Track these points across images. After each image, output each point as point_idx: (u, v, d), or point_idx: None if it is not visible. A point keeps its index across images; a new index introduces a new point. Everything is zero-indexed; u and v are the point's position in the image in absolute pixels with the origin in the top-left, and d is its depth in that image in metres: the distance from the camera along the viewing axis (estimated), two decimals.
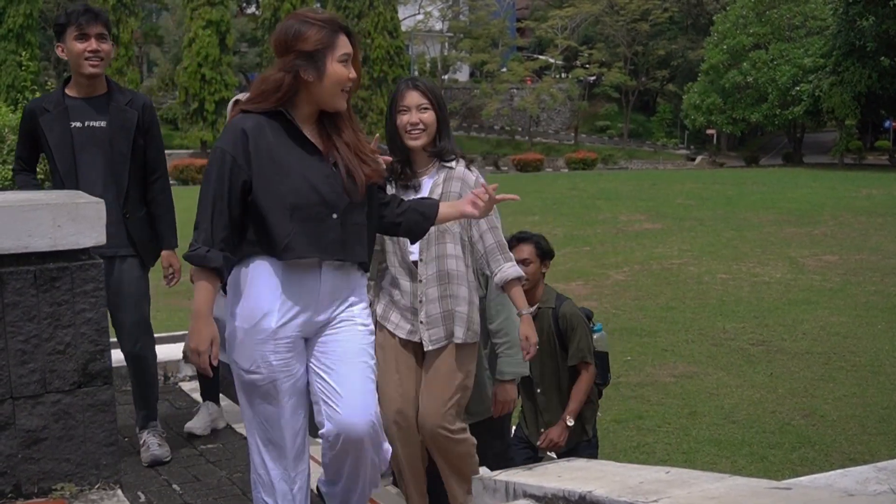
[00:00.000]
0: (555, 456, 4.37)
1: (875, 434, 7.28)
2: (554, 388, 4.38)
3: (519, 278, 3.57)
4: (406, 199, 3.45)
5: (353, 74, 2.90)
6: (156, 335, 4.42)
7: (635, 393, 8.46)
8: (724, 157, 53.86)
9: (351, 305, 3.00)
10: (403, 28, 53.25)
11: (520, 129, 58.02)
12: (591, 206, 22.86)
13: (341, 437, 2.91)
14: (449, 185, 3.57)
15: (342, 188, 2.91)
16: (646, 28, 56.18)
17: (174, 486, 3.98)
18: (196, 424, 4.65)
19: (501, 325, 3.85)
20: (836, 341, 10.10)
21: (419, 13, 56.93)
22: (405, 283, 3.54)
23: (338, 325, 2.98)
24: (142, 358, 4.17)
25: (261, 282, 2.86)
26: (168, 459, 4.22)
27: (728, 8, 50.20)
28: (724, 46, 47.26)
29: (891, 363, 9.21)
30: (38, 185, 4.31)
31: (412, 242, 3.44)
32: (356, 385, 2.94)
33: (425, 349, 3.53)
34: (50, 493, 2.93)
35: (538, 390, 4.40)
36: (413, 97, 3.53)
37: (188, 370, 5.62)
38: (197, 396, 5.10)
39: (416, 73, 53.03)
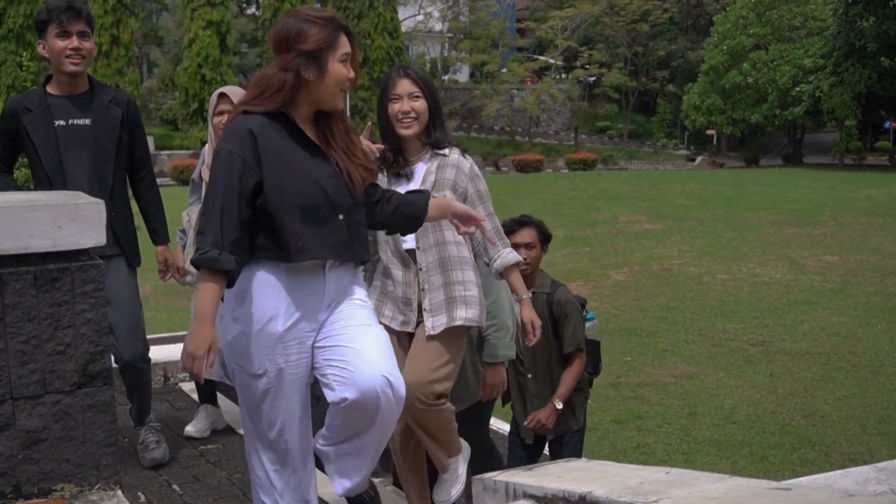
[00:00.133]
0: (545, 453, 4.36)
1: (875, 434, 7.28)
2: (544, 373, 4.35)
3: (518, 264, 3.56)
4: (399, 187, 3.44)
5: (352, 74, 2.88)
6: (156, 335, 4.43)
7: (635, 393, 8.46)
8: (724, 158, 53.86)
9: (352, 303, 2.99)
10: (403, 29, 53.25)
11: (520, 129, 58.02)
12: (591, 207, 22.86)
13: (357, 397, 2.80)
14: (443, 172, 3.54)
15: (345, 188, 2.89)
16: (646, 29, 56.19)
17: (174, 486, 3.98)
18: (195, 428, 4.65)
19: (490, 308, 3.80)
20: (836, 342, 10.10)
21: (419, 14, 56.95)
22: (398, 272, 3.51)
23: (338, 308, 2.95)
24: (142, 359, 4.15)
25: (265, 286, 2.82)
26: (166, 461, 4.20)
27: (728, 8, 50.23)
28: (724, 47, 47.28)
29: (891, 364, 9.21)
30: (18, 187, 4.22)
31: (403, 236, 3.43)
32: (369, 342, 2.89)
33: (426, 335, 3.45)
34: (50, 493, 2.93)
35: (529, 375, 4.37)
36: (404, 85, 3.50)
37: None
38: (197, 397, 5.10)
39: None
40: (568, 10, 56.18)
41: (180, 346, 5.03)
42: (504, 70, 57.59)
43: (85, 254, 2.96)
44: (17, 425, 2.87)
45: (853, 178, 31.75)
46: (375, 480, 3.77)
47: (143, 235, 4.43)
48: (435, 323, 3.44)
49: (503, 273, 3.56)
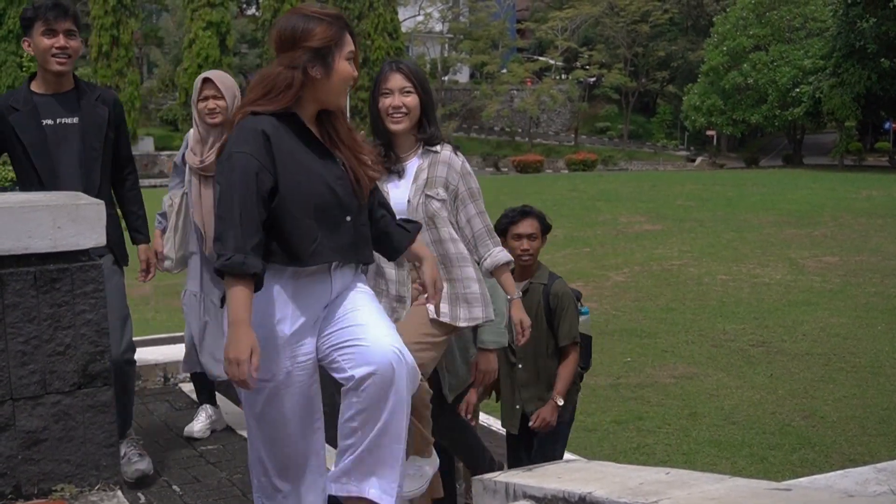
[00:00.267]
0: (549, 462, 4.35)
1: (875, 435, 7.28)
2: (535, 363, 4.33)
3: (508, 263, 3.54)
4: (390, 184, 3.43)
5: (356, 73, 2.85)
6: (156, 335, 4.42)
7: (635, 394, 8.46)
8: (725, 159, 53.87)
9: (353, 287, 2.97)
10: (403, 29, 53.29)
11: (520, 130, 58.04)
12: (591, 208, 22.87)
13: (374, 370, 2.73)
14: (434, 169, 3.50)
15: (352, 190, 2.87)
16: (646, 29, 56.22)
17: (174, 487, 3.98)
18: (195, 428, 4.65)
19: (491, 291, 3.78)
20: (836, 342, 10.10)
21: (419, 14, 56.98)
22: (391, 271, 3.50)
23: (340, 297, 2.92)
24: (126, 362, 4.07)
25: (270, 291, 2.78)
26: (151, 472, 4.08)
27: (728, 9, 50.24)
28: (725, 48, 47.29)
29: (891, 364, 9.21)
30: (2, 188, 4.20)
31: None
32: (373, 319, 2.84)
33: (430, 317, 3.41)
34: (50, 494, 2.93)
35: (519, 365, 4.35)
36: (396, 80, 3.45)
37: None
38: (196, 397, 5.10)
39: None
40: (568, 11, 56.20)
41: (180, 346, 5.05)
42: (504, 71, 57.62)
43: (85, 254, 2.96)
44: (17, 426, 2.87)
45: (853, 178, 31.76)
46: None
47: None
48: (441, 309, 3.40)
49: (493, 272, 3.53)
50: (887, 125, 49.82)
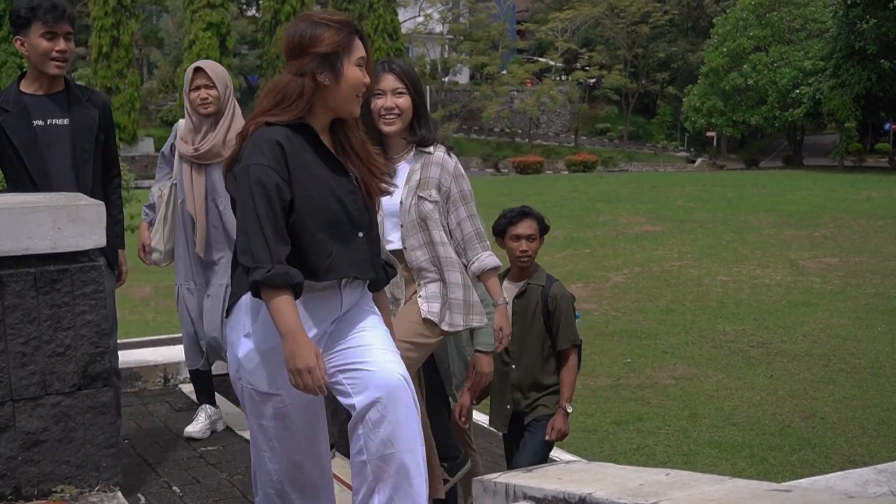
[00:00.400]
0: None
1: (875, 436, 7.28)
2: (529, 365, 4.29)
3: (496, 268, 3.51)
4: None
5: (367, 80, 2.77)
6: (156, 337, 4.41)
7: (635, 395, 8.46)
8: (725, 160, 53.87)
9: (360, 303, 2.93)
10: (403, 30, 53.32)
11: (520, 131, 58.05)
12: (592, 209, 22.88)
13: (380, 395, 2.68)
14: (427, 170, 3.47)
15: (364, 205, 2.82)
16: (646, 30, 56.23)
17: (174, 487, 3.98)
18: (195, 429, 4.64)
19: (484, 296, 3.74)
20: (836, 343, 10.10)
21: (419, 15, 57.01)
22: None
23: (346, 314, 2.88)
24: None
25: None
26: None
27: (728, 10, 50.24)
28: (725, 49, 47.28)
29: (891, 365, 9.21)
30: None
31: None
32: (379, 343, 2.81)
33: (422, 316, 3.40)
34: (50, 495, 2.93)
35: (512, 366, 4.31)
36: (388, 81, 3.41)
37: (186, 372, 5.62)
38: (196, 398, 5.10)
39: None
40: (568, 12, 56.21)
41: (180, 347, 5.04)
42: (504, 72, 57.64)
43: (85, 255, 2.97)
44: (17, 427, 2.87)
45: (853, 179, 31.78)
46: None
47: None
48: (431, 308, 3.39)
49: (480, 276, 3.51)
50: (887, 126, 49.82)
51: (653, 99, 62.33)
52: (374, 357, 2.75)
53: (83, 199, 3.11)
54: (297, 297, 2.61)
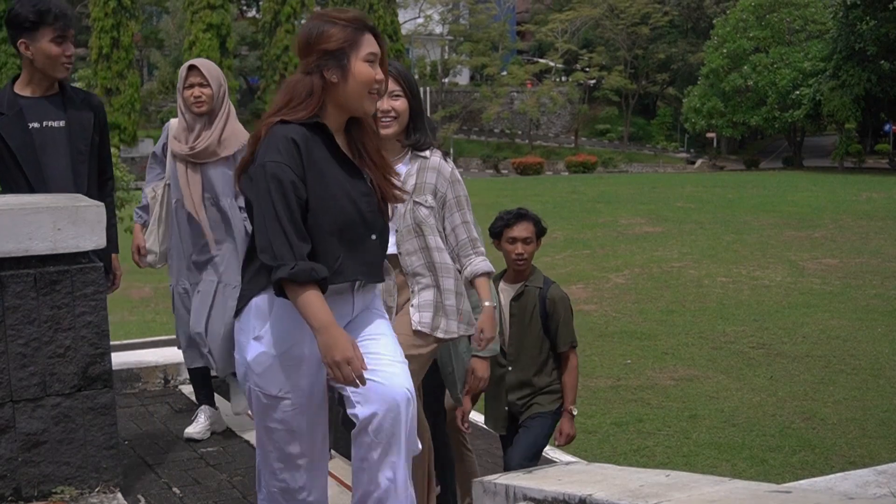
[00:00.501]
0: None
1: (875, 437, 7.28)
2: (526, 367, 4.27)
3: (488, 273, 3.47)
4: None
5: (380, 76, 2.73)
6: (156, 338, 4.41)
7: (635, 396, 8.46)
8: (725, 161, 53.91)
9: (371, 305, 2.93)
10: (403, 31, 53.35)
11: (520, 132, 58.08)
12: (592, 210, 22.88)
13: (377, 416, 2.68)
14: (423, 175, 3.41)
15: (377, 207, 2.80)
16: (646, 31, 56.28)
17: (174, 489, 3.98)
18: (195, 430, 4.63)
19: (478, 303, 3.68)
20: (836, 345, 10.10)
21: (419, 17, 57.05)
22: None
23: (360, 315, 2.88)
24: None
25: (292, 309, 2.66)
26: None
27: (728, 12, 50.27)
28: (725, 50, 47.31)
29: (891, 367, 9.21)
30: None
31: None
32: (392, 354, 2.80)
33: (413, 328, 3.37)
34: (50, 496, 2.93)
35: (509, 368, 4.29)
36: None
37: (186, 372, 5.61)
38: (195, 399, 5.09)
39: (417, 77, 53.08)
40: (568, 13, 56.27)
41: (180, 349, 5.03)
42: (504, 73, 57.69)
43: (85, 256, 2.97)
44: (17, 428, 2.87)
45: (853, 181, 31.79)
46: None
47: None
48: (422, 318, 3.36)
49: (472, 281, 3.47)
50: (887, 127, 49.84)
51: (653, 100, 62.38)
52: (381, 368, 2.73)
53: (83, 201, 3.11)
54: (323, 292, 2.59)
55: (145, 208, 4.55)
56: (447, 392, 4.00)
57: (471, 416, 4.31)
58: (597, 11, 55.85)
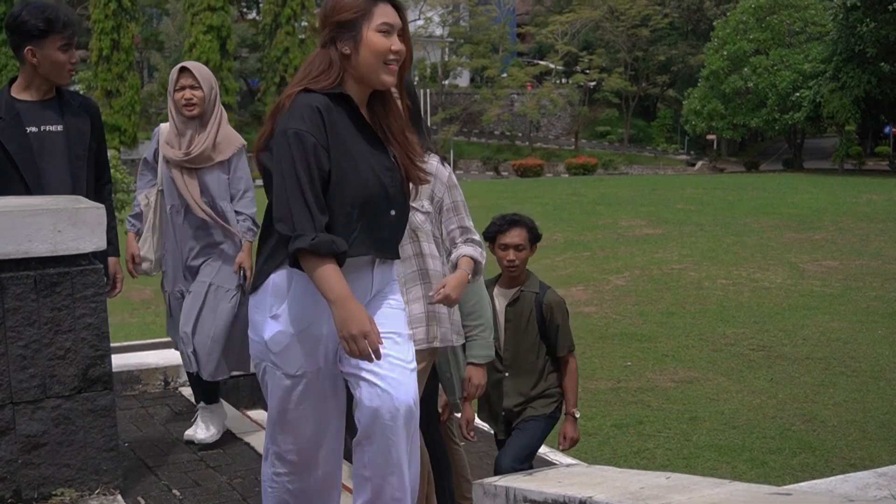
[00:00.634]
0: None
1: (875, 439, 7.28)
2: (522, 373, 4.25)
3: (473, 257, 3.36)
4: None
5: (395, 46, 2.66)
6: (156, 340, 4.40)
7: (636, 398, 8.46)
8: (725, 163, 53.91)
9: (388, 291, 2.88)
10: None
11: (520, 134, 58.08)
12: (592, 212, 22.88)
13: (387, 422, 2.67)
14: None
15: (400, 183, 2.76)
16: (646, 34, 56.28)
17: (174, 491, 3.98)
18: (195, 432, 4.62)
19: (474, 308, 3.71)
20: (836, 347, 10.10)
21: (419, 19, 57.03)
22: None
23: (376, 306, 2.82)
24: None
25: (310, 285, 2.61)
26: None
27: (728, 14, 50.29)
28: (725, 52, 47.32)
29: (891, 369, 9.20)
30: None
31: None
32: (403, 355, 2.77)
33: None
34: (50, 498, 2.93)
35: (506, 374, 4.26)
36: None
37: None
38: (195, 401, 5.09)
39: (417, 79, 53.10)
40: (568, 15, 56.28)
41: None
42: (504, 75, 57.69)
43: (85, 258, 2.97)
44: (17, 430, 2.86)
45: (853, 183, 31.79)
46: None
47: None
48: (415, 335, 3.30)
49: (457, 263, 3.37)
50: (887, 129, 49.83)
51: (653, 102, 62.39)
52: (390, 373, 2.71)
53: (83, 203, 3.12)
54: (340, 265, 2.57)
55: (138, 216, 4.50)
56: (440, 389, 3.99)
57: (476, 420, 4.32)
58: (597, 13, 55.86)
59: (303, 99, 2.63)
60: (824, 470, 6.53)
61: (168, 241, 4.45)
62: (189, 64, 4.37)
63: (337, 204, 2.63)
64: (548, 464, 5.54)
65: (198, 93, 4.27)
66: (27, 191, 3.71)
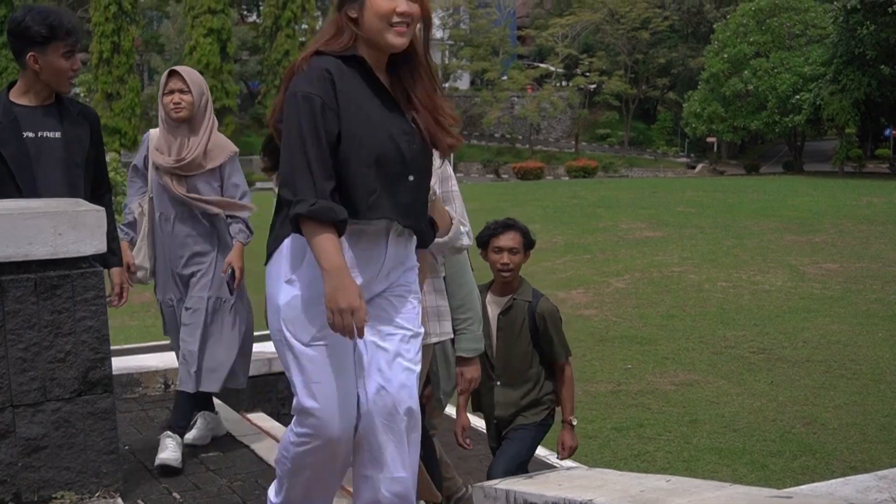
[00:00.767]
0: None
1: (876, 442, 7.27)
2: (514, 381, 4.23)
3: (459, 243, 3.31)
4: None
5: (401, 7, 2.62)
6: (156, 342, 4.39)
7: (636, 401, 8.45)
8: (725, 165, 53.91)
9: (407, 271, 2.84)
10: None
11: (520, 137, 58.11)
12: (592, 214, 22.86)
13: (386, 423, 2.70)
14: None
15: (421, 148, 2.72)
16: (646, 36, 56.31)
17: (174, 494, 3.98)
18: (195, 436, 4.61)
19: (463, 301, 3.70)
20: (836, 349, 10.09)
21: None
22: None
23: (392, 290, 2.80)
24: None
25: None
26: None
27: (728, 16, 50.31)
28: (725, 55, 47.32)
29: (891, 371, 9.20)
30: None
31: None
32: (409, 355, 2.77)
33: None
34: (50, 501, 2.93)
35: (497, 383, 4.25)
36: None
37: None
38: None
39: None
40: (568, 18, 56.32)
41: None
42: (504, 77, 57.72)
43: (85, 261, 2.97)
44: (17, 433, 2.86)
45: (853, 185, 31.77)
46: None
47: None
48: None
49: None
50: (887, 132, 49.85)
51: (653, 104, 62.40)
52: (391, 374, 2.72)
53: (83, 205, 3.12)
54: (340, 234, 2.55)
55: (131, 225, 4.41)
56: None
57: (472, 422, 4.32)
58: (597, 16, 55.90)
59: (314, 62, 2.63)
60: (825, 473, 6.52)
61: (157, 249, 4.38)
62: (179, 68, 4.31)
63: (353, 164, 2.62)
64: (548, 467, 5.54)
65: (186, 97, 4.21)
66: (21, 197, 3.63)
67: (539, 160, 51.65)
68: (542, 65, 59.89)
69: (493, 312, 4.20)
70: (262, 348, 4.88)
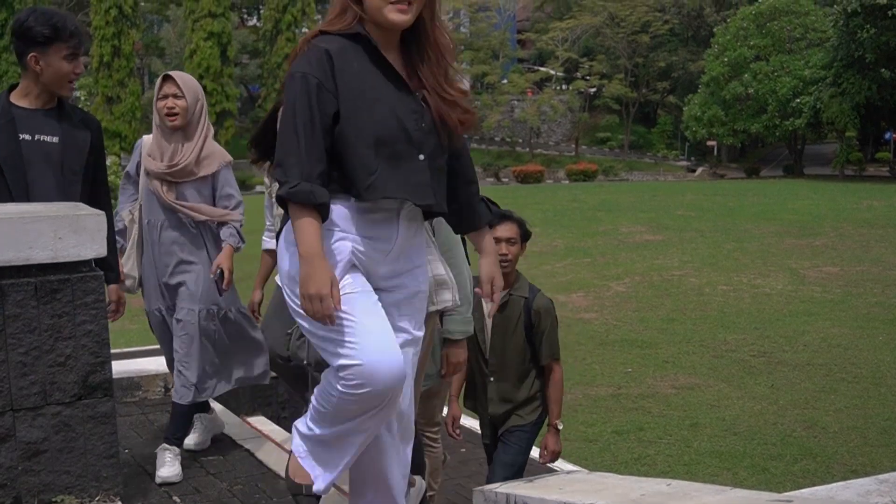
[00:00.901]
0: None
1: (877, 446, 7.27)
2: (509, 377, 4.22)
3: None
4: None
5: None
6: (156, 346, 4.37)
7: (636, 404, 8.45)
8: (725, 169, 53.92)
9: (415, 269, 2.80)
10: None
11: (520, 140, 58.13)
12: (592, 218, 22.86)
13: (373, 398, 2.58)
14: None
15: (430, 126, 2.67)
16: (646, 40, 56.35)
17: (174, 497, 3.98)
18: (195, 441, 4.60)
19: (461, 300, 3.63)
20: (837, 353, 10.09)
21: None
22: None
23: (401, 286, 2.75)
24: None
25: (334, 214, 2.59)
26: None
27: (729, 20, 50.35)
28: (725, 58, 47.38)
29: (892, 375, 9.20)
30: None
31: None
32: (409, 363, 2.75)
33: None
34: None
35: (491, 378, 4.23)
36: None
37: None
38: None
39: None
40: (568, 22, 56.35)
41: None
42: (505, 81, 57.76)
43: (86, 265, 2.97)
44: (18, 437, 2.86)
45: (854, 189, 31.77)
46: None
47: None
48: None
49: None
50: (888, 135, 49.86)
51: (653, 108, 62.44)
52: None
53: (84, 209, 3.11)
54: (323, 219, 2.53)
55: (121, 232, 4.34)
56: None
57: (467, 423, 4.31)
58: (597, 20, 55.94)
59: (316, 41, 2.62)
60: (825, 476, 6.52)
61: (145, 258, 4.31)
62: (174, 73, 4.28)
63: (352, 143, 2.59)
64: (548, 470, 5.54)
65: (180, 102, 4.17)
66: (11, 199, 3.57)
67: (539, 164, 51.65)
68: (542, 68, 59.93)
69: (488, 308, 4.20)
70: None
